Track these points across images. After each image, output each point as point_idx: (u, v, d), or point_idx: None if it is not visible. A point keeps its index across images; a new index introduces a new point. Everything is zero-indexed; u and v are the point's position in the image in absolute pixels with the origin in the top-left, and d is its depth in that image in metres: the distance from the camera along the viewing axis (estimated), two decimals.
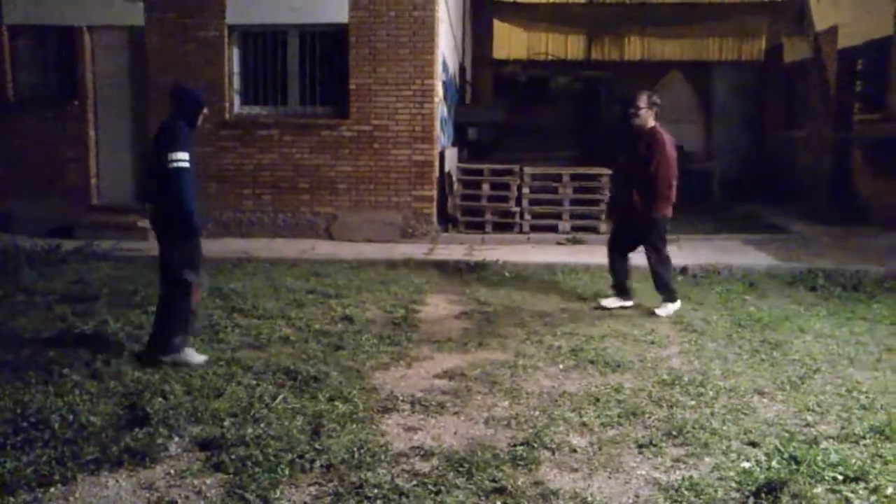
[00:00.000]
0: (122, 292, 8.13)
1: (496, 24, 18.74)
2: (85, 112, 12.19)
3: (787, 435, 4.67)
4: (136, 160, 12.26)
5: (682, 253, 10.82)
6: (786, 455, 4.35)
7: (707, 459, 4.38)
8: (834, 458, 4.27)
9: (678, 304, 7.79)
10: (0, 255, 10.14)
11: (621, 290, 8.05)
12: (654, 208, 7.65)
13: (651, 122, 7.77)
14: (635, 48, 19.48)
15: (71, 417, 4.70)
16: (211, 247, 11.16)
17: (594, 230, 12.08)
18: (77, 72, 12.17)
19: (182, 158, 5.81)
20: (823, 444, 4.52)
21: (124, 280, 8.77)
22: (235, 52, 12.04)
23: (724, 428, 4.80)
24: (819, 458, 4.26)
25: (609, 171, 12.29)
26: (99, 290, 8.20)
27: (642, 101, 7.73)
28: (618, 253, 8.08)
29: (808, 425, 4.87)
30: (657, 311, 7.69)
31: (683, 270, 9.65)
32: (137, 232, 11.64)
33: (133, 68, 12.19)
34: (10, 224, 11.98)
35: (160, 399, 5.05)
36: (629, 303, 8.00)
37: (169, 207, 5.86)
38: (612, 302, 7.99)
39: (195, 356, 5.95)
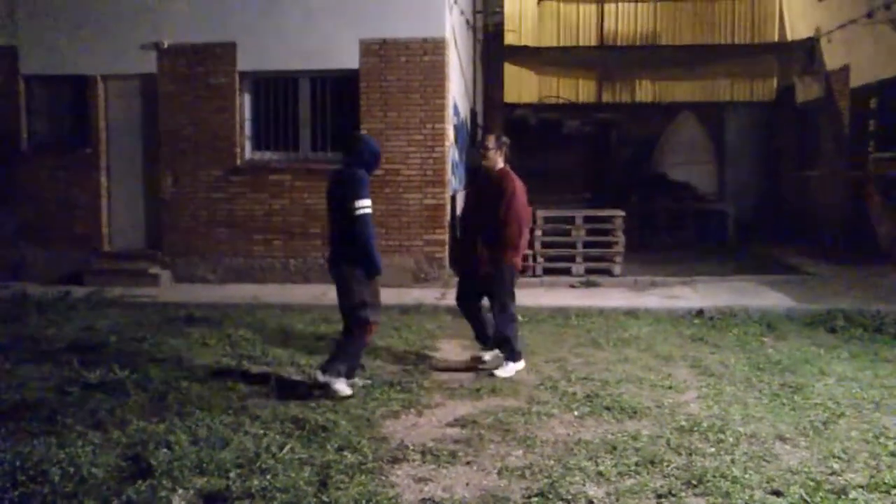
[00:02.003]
0: (130, 340, 8.06)
1: (507, 67, 18.82)
2: (97, 160, 12.24)
3: (812, 484, 4.49)
4: (147, 208, 12.29)
5: (698, 295, 10.71)
6: None
7: None
8: None
9: (521, 363, 7.10)
10: (9, 303, 10.13)
11: (484, 341, 7.41)
12: (503, 257, 7.03)
13: (500, 164, 7.20)
14: (646, 90, 19.52)
15: (72, 470, 4.58)
16: (221, 292, 11.20)
17: (608, 273, 11.95)
18: (90, 120, 12.24)
19: (365, 205, 6.24)
20: (852, 494, 4.34)
21: (133, 327, 8.71)
22: (247, 99, 12.09)
23: (746, 476, 4.63)
24: None
25: (623, 214, 12.20)
26: (107, 337, 8.14)
27: (491, 142, 7.22)
28: (469, 303, 7.42)
29: (834, 473, 4.69)
30: (496, 371, 6.98)
31: (700, 312, 9.50)
32: (148, 279, 11.63)
33: (145, 116, 12.25)
34: (21, 271, 12.01)
35: (164, 450, 4.92)
36: (520, 364, 7.19)
37: (354, 250, 6.27)
38: (489, 357, 7.35)
39: (345, 388, 6.24)
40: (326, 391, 6.21)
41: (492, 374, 6.96)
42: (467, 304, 7.42)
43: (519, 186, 7.10)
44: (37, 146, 12.45)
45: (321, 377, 6.26)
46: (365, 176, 6.36)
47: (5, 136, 12.30)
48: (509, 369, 7.02)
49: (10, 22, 12.22)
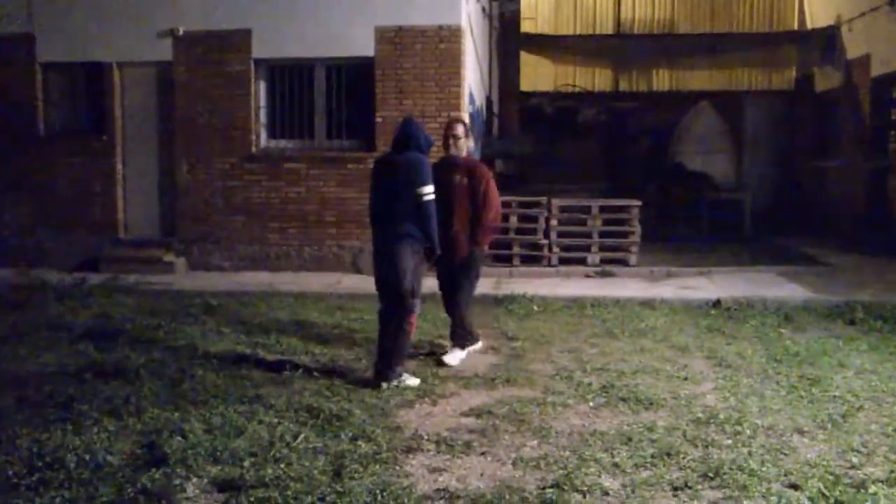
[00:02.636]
0: (145, 327, 8.07)
1: (523, 56, 18.71)
2: (113, 147, 12.26)
3: (831, 478, 4.43)
4: (163, 195, 12.32)
5: (714, 285, 10.64)
6: (831, 500, 4.13)
7: (746, 503, 4.17)
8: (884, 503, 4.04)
9: (479, 343, 7.28)
10: (27, 290, 10.18)
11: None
12: (480, 241, 7.12)
13: (466, 151, 7.30)
14: (663, 79, 19.34)
15: (87, 457, 4.59)
16: (236, 280, 11.21)
17: (624, 262, 11.88)
18: (106, 107, 12.26)
19: (431, 191, 6.36)
20: (872, 489, 4.28)
21: (148, 315, 8.72)
22: (262, 86, 12.08)
23: (764, 469, 4.58)
24: (867, 503, 4.03)
25: (639, 203, 12.11)
26: (122, 325, 8.16)
27: (460, 129, 7.19)
28: (448, 293, 7.38)
29: (853, 467, 4.63)
30: (445, 359, 6.93)
31: (716, 303, 9.43)
32: (163, 266, 11.65)
33: (161, 103, 12.26)
34: (38, 258, 12.05)
35: (179, 438, 4.92)
36: (478, 345, 7.34)
37: (415, 234, 6.38)
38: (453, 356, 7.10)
39: (413, 380, 6.31)
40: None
41: (441, 363, 6.90)
42: (447, 296, 7.38)
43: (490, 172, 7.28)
44: (53, 133, 12.49)
45: (386, 385, 6.17)
46: (427, 162, 6.52)
47: (22, 124, 12.34)
48: (457, 356, 7.02)
49: (27, 9, 12.24)
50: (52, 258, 12.04)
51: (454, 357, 7.01)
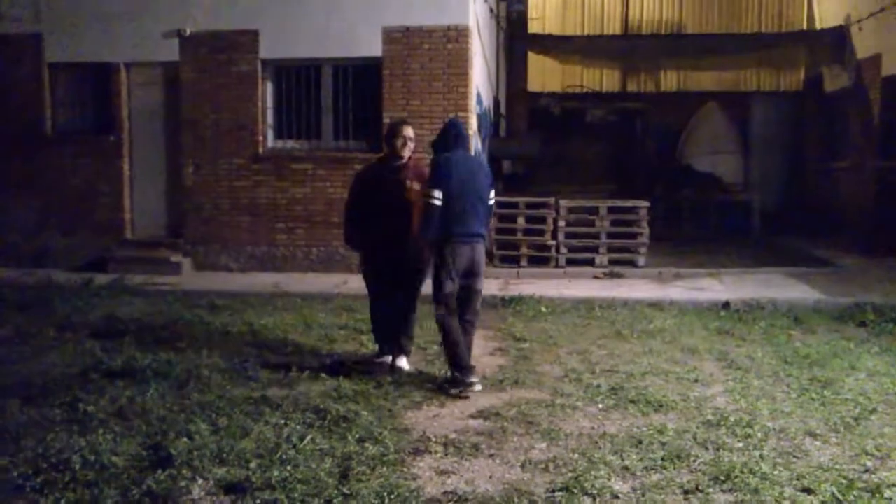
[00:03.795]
0: (151, 328, 8.05)
1: (531, 56, 18.68)
2: (120, 147, 12.26)
3: (844, 482, 4.37)
4: (169, 195, 12.30)
5: (724, 287, 10.57)
6: None
7: None
8: None
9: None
10: (34, 290, 10.18)
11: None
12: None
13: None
14: (671, 79, 19.28)
15: (93, 458, 4.56)
16: (242, 281, 11.19)
17: (633, 264, 11.83)
18: (113, 108, 12.27)
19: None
20: (887, 493, 4.23)
21: (154, 315, 8.71)
22: (269, 87, 12.06)
23: (776, 472, 4.52)
24: None
25: (647, 204, 12.06)
26: (129, 325, 8.14)
27: (411, 131, 6.79)
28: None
29: (867, 471, 4.57)
30: (400, 363, 6.74)
31: (726, 305, 9.37)
32: (170, 266, 11.64)
33: (168, 104, 12.26)
34: (45, 258, 12.06)
35: (185, 439, 4.89)
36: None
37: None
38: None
39: (472, 377, 6.17)
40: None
41: (396, 367, 6.68)
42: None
43: None
44: (61, 134, 12.50)
45: (454, 391, 6.09)
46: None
47: (30, 124, 12.36)
48: (406, 361, 6.82)
49: (35, 9, 12.24)
50: (60, 258, 12.04)
51: (406, 362, 6.81)
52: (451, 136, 6.51)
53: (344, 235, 7.13)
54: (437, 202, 6.22)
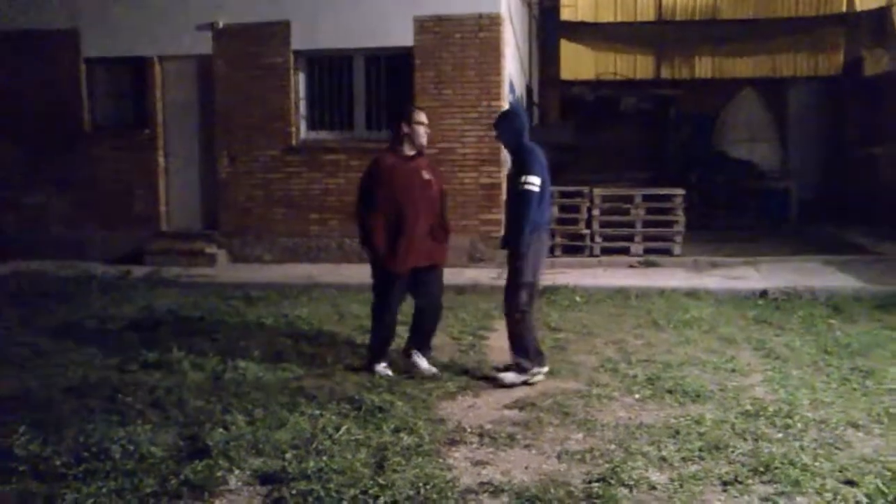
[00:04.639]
0: (187, 319, 8.13)
1: (563, 44, 18.51)
2: (155, 140, 12.38)
3: (889, 474, 4.28)
4: (204, 188, 12.40)
5: (761, 275, 10.43)
6: (890, 497, 3.99)
7: (799, 499, 4.06)
8: None
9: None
10: (73, 282, 10.33)
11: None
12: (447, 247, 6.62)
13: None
14: (706, 66, 18.99)
15: (132, 448, 4.61)
16: (277, 272, 11.24)
17: (668, 252, 11.71)
18: (148, 101, 12.39)
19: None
20: None
21: (190, 307, 8.78)
22: (302, 78, 12.09)
23: (817, 464, 4.45)
24: None
25: (683, 192, 11.92)
26: (165, 317, 8.23)
27: (425, 117, 6.43)
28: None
29: None
30: (420, 359, 6.44)
31: (763, 294, 9.24)
32: (205, 258, 11.74)
33: (201, 97, 12.34)
34: (84, 250, 12.22)
35: (221, 430, 4.92)
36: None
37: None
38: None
39: (540, 370, 6.15)
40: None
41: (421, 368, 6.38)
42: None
43: None
44: (97, 128, 12.66)
45: (532, 375, 6.09)
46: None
47: (68, 119, 12.53)
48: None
49: (71, 5, 12.38)
50: (97, 251, 12.20)
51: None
52: (523, 122, 6.34)
53: (373, 239, 6.32)
54: (538, 189, 6.03)
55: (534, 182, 5.99)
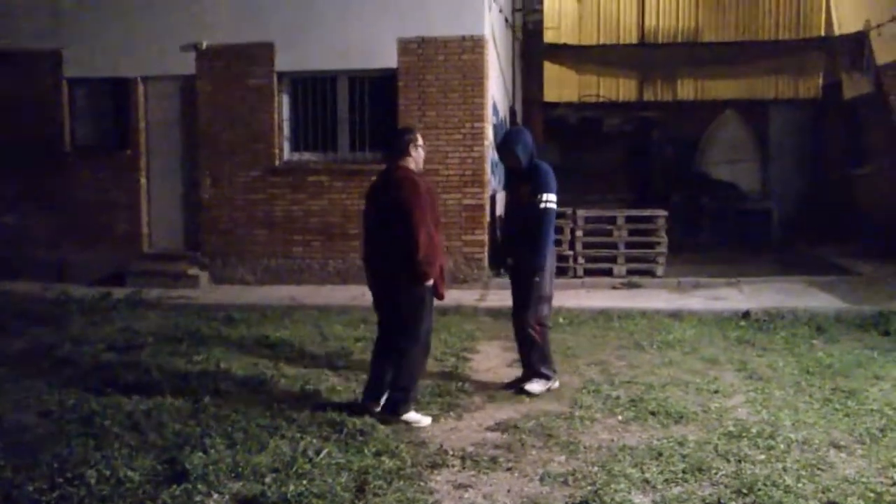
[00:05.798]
0: (167, 341, 8.05)
1: (547, 66, 18.61)
2: (137, 161, 12.31)
3: (872, 495, 4.29)
4: (186, 208, 12.34)
5: (743, 296, 10.46)
6: None
7: None
8: None
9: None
10: (52, 304, 10.22)
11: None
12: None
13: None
14: (688, 88, 19.15)
15: (108, 472, 4.55)
16: (259, 294, 11.18)
17: (651, 273, 11.73)
18: (130, 121, 12.32)
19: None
20: None
21: (171, 329, 8.70)
22: (285, 99, 12.08)
23: (800, 485, 4.44)
24: None
25: (665, 213, 11.96)
26: (145, 339, 8.14)
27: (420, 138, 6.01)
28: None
29: (895, 484, 4.47)
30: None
31: (746, 314, 9.26)
32: (187, 280, 11.66)
33: (184, 117, 12.29)
34: (63, 272, 12.09)
35: (200, 453, 4.86)
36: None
37: None
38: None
39: (554, 383, 6.43)
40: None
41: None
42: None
43: None
44: (79, 148, 12.56)
45: (534, 387, 6.34)
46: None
47: (49, 139, 12.43)
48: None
49: (54, 26, 12.33)
50: (78, 272, 12.06)
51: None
52: (531, 141, 6.42)
53: (429, 261, 5.63)
54: (556, 207, 6.30)
55: (553, 200, 6.25)
